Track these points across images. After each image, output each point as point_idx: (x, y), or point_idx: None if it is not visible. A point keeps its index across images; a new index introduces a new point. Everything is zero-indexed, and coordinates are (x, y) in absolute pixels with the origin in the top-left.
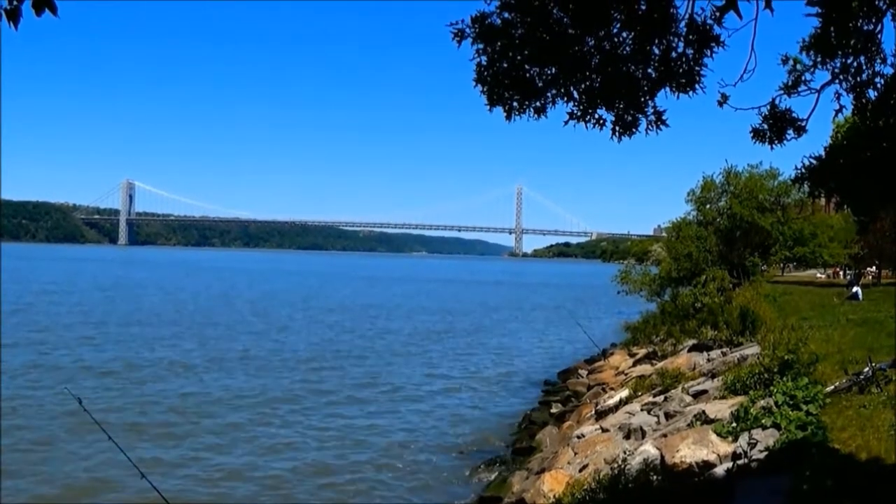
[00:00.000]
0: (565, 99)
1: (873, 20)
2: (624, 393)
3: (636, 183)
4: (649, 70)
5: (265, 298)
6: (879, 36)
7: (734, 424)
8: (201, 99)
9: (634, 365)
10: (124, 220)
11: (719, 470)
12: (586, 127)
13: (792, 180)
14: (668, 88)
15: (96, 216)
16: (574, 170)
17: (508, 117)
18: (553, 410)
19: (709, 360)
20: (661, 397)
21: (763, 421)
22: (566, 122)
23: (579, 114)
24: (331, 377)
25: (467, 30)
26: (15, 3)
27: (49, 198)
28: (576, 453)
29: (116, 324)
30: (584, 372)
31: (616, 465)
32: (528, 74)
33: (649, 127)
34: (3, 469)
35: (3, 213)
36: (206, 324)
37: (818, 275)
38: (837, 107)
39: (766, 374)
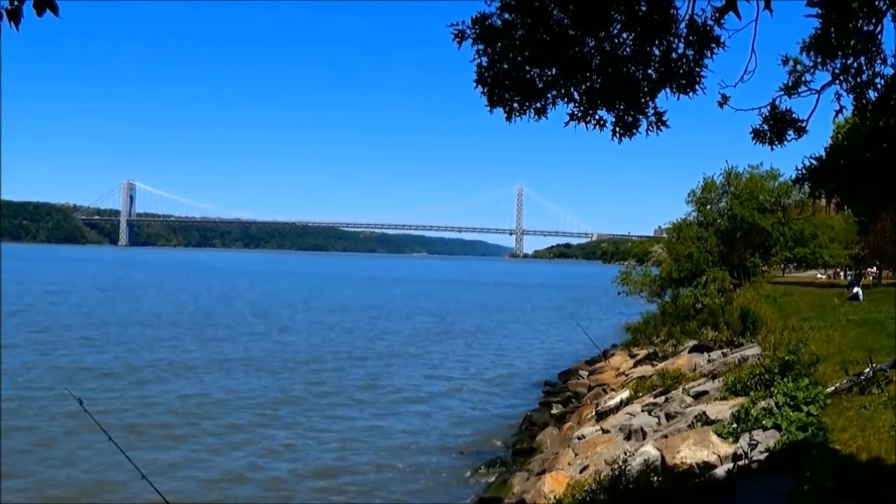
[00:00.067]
0: (566, 100)
1: (873, 21)
2: (624, 394)
3: (636, 184)
4: (650, 71)
5: (266, 299)
6: (879, 36)
7: (735, 425)
8: (202, 99)
9: (635, 366)
10: (125, 220)
11: (720, 471)
12: (587, 128)
13: (792, 181)
14: (668, 89)
15: (97, 217)
16: (574, 171)
17: (509, 118)
18: (554, 411)
19: (709, 361)
20: (662, 398)
21: (764, 422)
22: (567, 123)
23: (580, 115)
24: (331, 378)
25: (468, 31)
26: (16, 3)
27: (50, 198)
28: (576, 454)
29: (117, 324)
30: (584, 373)
31: (617, 466)
32: (528, 75)
33: (650, 128)
34: (4, 470)
35: (4, 214)
36: (206, 325)
37: (819, 275)
38: (838, 107)
39: (766, 375)
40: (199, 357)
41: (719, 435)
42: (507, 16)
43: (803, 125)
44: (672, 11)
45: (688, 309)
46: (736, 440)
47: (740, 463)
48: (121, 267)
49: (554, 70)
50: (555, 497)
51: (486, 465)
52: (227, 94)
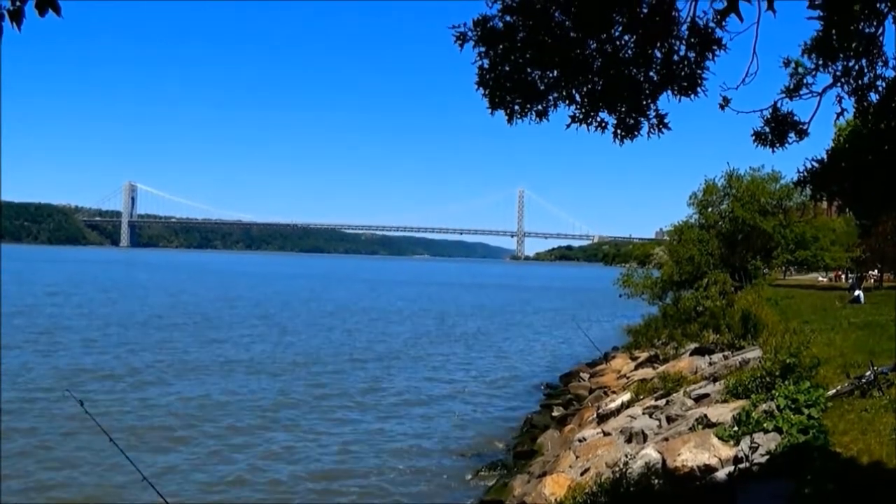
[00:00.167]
0: (567, 102)
1: (875, 23)
2: (625, 396)
3: (638, 186)
4: (651, 73)
5: (267, 301)
6: (881, 39)
7: (736, 428)
8: (204, 101)
9: (636, 368)
10: (126, 222)
11: (721, 474)
12: (588, 130)
13: (794, 183)
14: (669, 91)
15: (98, 218)
16: (576, 173)
17: (510, 120)
18: (554, 414)
19: (710, 364)
20: (663, 401)
21: (765, 425)
22: (568, 126)
23: (581, 117)
24: (332, 380)
25: (469, 33)
26: (18, 3)
27: (51, 199)
28: (577, 457)
29: (118, 326)
30: (585, 375)
31: (617, 469)
32: (529, 78)
33: (651, 130)
34: (4, 471)
35: (5, 215)
36: (207, 326)
37: (820, 278)
38: (839, 110)
39: (767, 378)
40: (200, 359)
41: (720, 438)
42: (508, 18)
43: (805, 127)
44: (673, 13)
45: (689, 311)
46: (737, 443)
47: (741, 466)
48: (122, 268)
49: (555, 72)
50: (555, 499)
51: (486, 467)
52: (228, 95)
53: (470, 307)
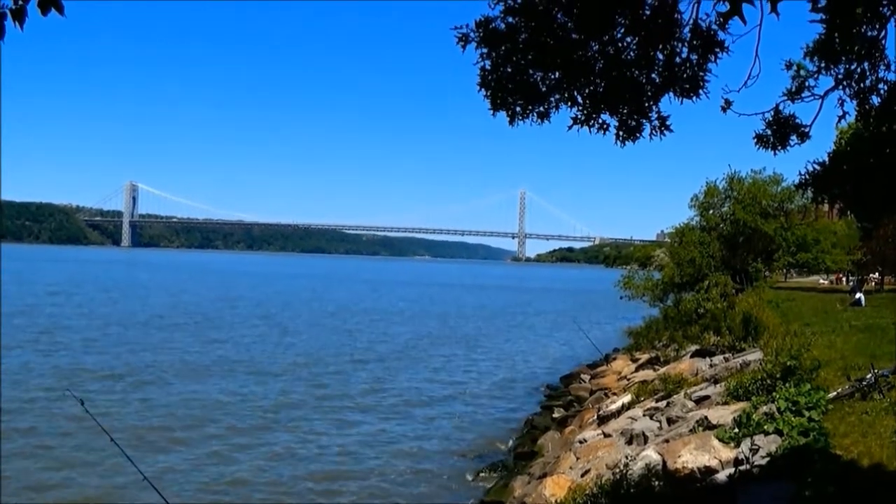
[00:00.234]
0: (569, 103)
1: (877, 26)
2: (626, 398)
3: (639, 188)
4: (653, 75)
5: (268, 301)
6: (883, 42)
7: (736, 430)
8: (205, 101)
9: (637, 370)
10: (127, 221)
11: (721, 476)
12: (590, 132)
13: (795, 186)
14: (672, 93)
15: (99, 218)
16: (577, 175)
17: (511, 122)
18: (555, 415)
19: (711, 366)
20: (664, 403)
21: (765, 427)
22: (570, 127)
23: (583, 118)
24: (333, 381)
25: (471, 34)
26: (20, 2)
27: (52, 199)
28: (578, 458)
29: (119, 325)
30: (586, 377)
31: (618, 471)
32: (531, 79)
33: (653, 132)
34: (4, 472)
35: (6, 214)
36: (208, 326)
37: (821, 281)
38: (841, 112)
39: (768, 380)
40: (200, 359)
41: (721, 440)
42: (510, 19)
43: (806, 130)
44: (676, 16)
45: (690, 313)
46: (737, 445)
47: (742, 468)
48: (123, 268)
49: (557, 74)
50: (556, 501)
51: (487, 468)
52: (229, 95)
53: (471, 308)
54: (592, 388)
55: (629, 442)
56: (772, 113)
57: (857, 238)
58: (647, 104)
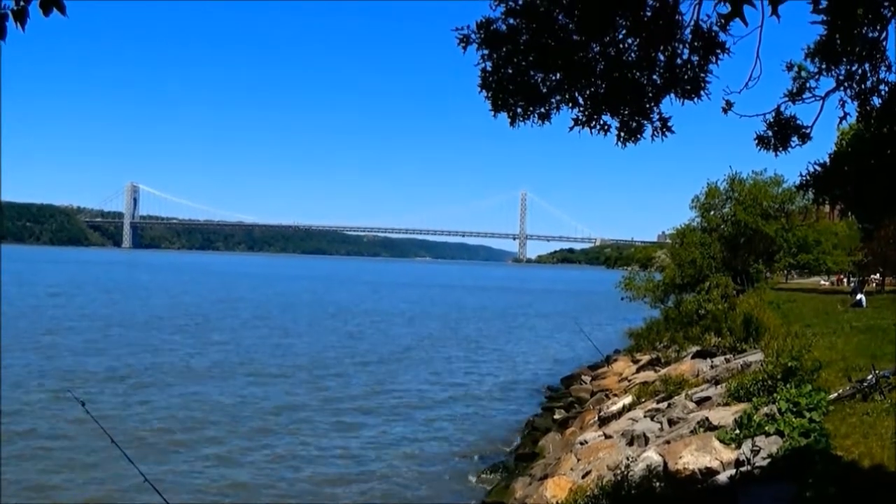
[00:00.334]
0: (570, 105)
1: (878, 27)
2: (627, 399)
3: (640, 189)
4: (654, 76)
5: (269, 303)
6: (884, 43)
7: (737, 431)
8: (206, 102)
9: (638, 371)
10: (128, 223)
11: (722, 477)
12: (591, 133)
13: (796, 187)
14: (673, 95)
15: (100, 219)
16: (578, 176)
17: (513, 123)
18: (556, 416)
19: (712, 367)
20: (665, 404)
21: (766, 428)
22: (571, 128)
23: (584, 120)
24: (335, 383)
25: (473, 35)
26: (22, 3)
27: (53, 200)
28: (579, 459)
29: (120, 327)
30: (587, 378)
31: (619, 472)
32: (532, 80)
33: (654, 133)
34: (4, 474)
35: (7, 215)
36: (209, 328)
37: (822, 282)
38: (842, 114)
39: (769, 381)
40: (202, 361)
41: (722, 441)
42: (511, 21)
43: (808, 131)
44: (677, 17)
45: (691, 315)
46: (738, 446)
47: (743, 469)
48: (124, 269)
49: (558, 75)
50: (557, 502)
51: (488, 469)
52: (230, 96)
53: (472, 310)
54: (593, 390)
55: (630, 443)
56: (773, 114)
57: (858, 239)
58: (648, 105)
